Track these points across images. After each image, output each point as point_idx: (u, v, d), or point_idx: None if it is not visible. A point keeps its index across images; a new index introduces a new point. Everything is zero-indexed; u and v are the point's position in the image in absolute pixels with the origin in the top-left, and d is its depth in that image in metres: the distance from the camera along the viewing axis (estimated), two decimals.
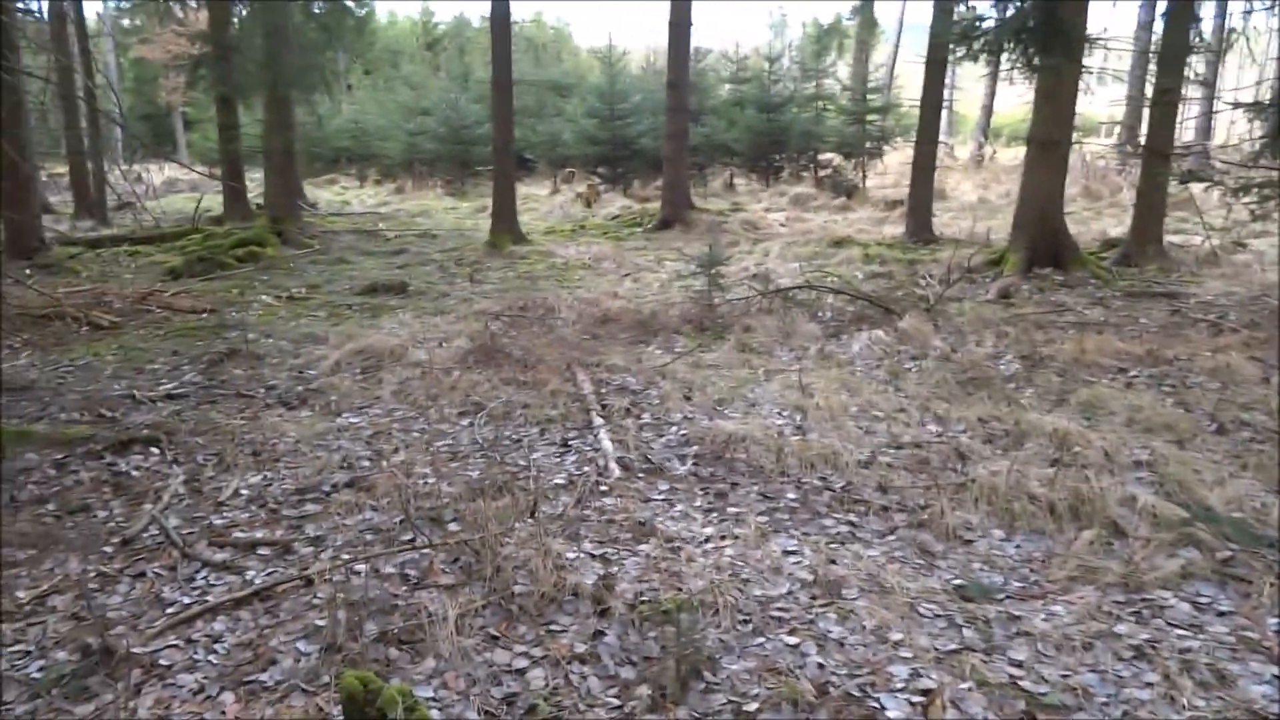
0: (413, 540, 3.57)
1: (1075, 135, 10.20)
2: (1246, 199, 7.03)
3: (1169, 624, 3.05)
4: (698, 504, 3.99)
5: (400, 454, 4.57)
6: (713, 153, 20.69)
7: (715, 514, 3.90)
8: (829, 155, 20.79)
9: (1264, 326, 6.73)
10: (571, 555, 3.45)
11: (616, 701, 2.63)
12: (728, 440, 4.65)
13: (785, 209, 16.11)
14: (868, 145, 20.15)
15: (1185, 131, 17.72)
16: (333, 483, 4.23)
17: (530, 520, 3.73)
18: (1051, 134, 9.10)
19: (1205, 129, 21.08)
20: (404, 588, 3.24)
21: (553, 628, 2.98)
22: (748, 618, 3.05)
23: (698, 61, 22.67)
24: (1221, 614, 3.11)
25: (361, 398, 5.52)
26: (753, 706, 2.60)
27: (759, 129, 19.90)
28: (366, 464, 4.47)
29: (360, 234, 14.01)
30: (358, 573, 3.32)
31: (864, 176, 19.40)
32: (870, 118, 19.79)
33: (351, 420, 5.14)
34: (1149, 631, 3.00)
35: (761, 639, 2.93)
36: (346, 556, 3.46)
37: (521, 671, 2.76)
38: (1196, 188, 11.82)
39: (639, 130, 19.95)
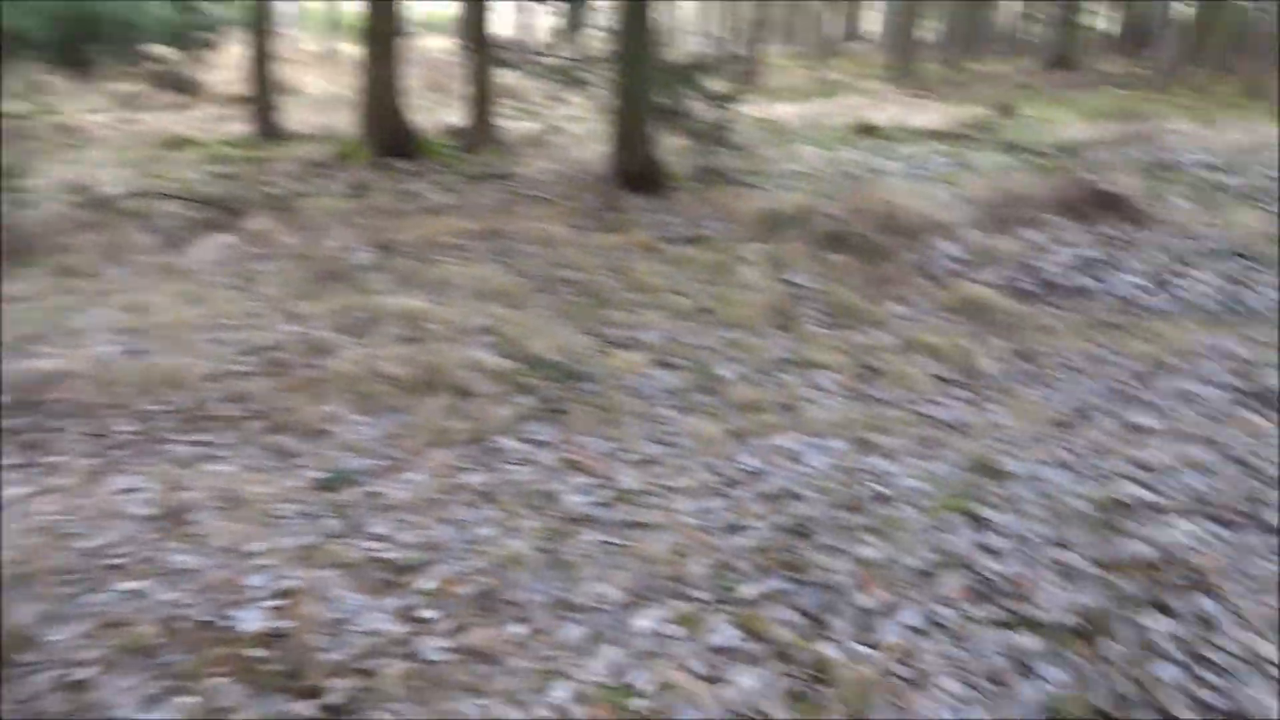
0: None
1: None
2: (546, 83, 7.93)
3: (508, 464, 3.39)
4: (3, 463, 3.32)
5: None
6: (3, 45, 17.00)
7: (29, 469, 3.27)
8: (161, 48, 18.49)
9: (576, 197, 7.75)
10: None
11: None
12: (43, 382, 3.93)
13: (111, 110, 14.04)
14: (205, 36, 18.34)
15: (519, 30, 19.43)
16: None
17: None
18: (384, 26, 9.18)
19: (526, 25, 23.34)
20: None
21: None
22: (78, 576, 2.63)
23: None
24: (547, 444, 3.55)
25: None
26: (88, 673, 2.26)
27: (63, 15, 16.80)
28: None
29: None
30: None
31: (204, 71, 17.71)
32: (203, 5, 17.96)
33: None
34: (492, 474, 3.30)
35: (96, 595, 2.56)
36: None
37: None
38: (528, 80, 13.09)
39: None
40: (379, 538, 2.88)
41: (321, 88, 17.13)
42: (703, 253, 6.20)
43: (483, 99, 10.71)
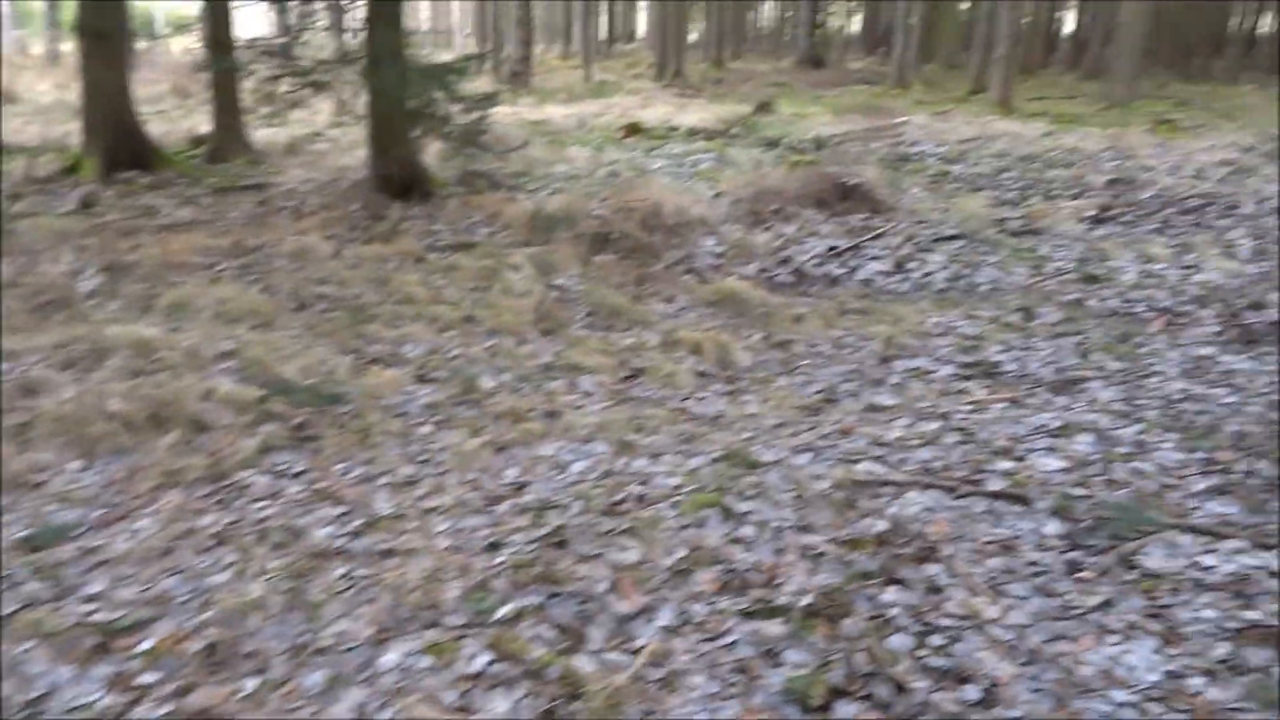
0: None
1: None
2: (281, 88, 7.52)
3: (250, 500, 3.15)
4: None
5: None
6: None
7: None
8: None
9: (336, 206, 7.39)
10: None
11: None
12: None
13: None
14: None
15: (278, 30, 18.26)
16: None
17: None
18: (101, 24, 8.35)
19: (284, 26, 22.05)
20: None
21: None
22: None
23: None
24: (297, 475, 3.33)
25: None
26: None
27: None
28: None
29: None
30: None
31: None
32: None
33: None
34: (231, 514, 3.05)
35: None
36: None
37: None
38: (275, 85, 12.32)
39: None
40: (92, 598, 2.59)
41: (44, 94, 15.48)
42: (469, 260, 6.07)
43: (230, 105, 10.02)
